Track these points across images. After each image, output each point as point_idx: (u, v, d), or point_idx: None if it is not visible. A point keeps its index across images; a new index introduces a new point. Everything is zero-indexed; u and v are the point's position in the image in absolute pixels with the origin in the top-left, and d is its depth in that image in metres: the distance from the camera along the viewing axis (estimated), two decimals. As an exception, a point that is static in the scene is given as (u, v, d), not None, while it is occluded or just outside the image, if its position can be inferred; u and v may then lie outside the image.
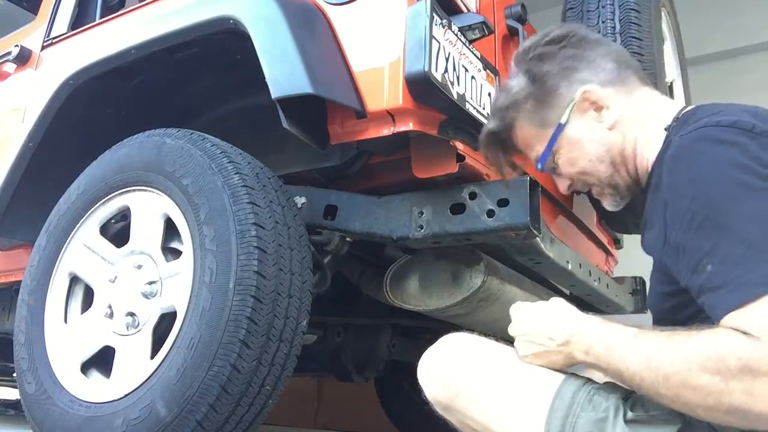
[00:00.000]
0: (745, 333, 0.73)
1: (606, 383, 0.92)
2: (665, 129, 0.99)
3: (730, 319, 0.75)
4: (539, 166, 1.11)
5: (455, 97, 1.26)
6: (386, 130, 1.31)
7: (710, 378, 0.73)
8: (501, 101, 1.11)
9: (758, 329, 0.72)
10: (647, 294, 1.05)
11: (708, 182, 0.82)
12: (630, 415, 0.85)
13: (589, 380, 0.92)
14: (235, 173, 1.33)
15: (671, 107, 1.04)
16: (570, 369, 0.94)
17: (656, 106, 1.05)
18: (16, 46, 2.15)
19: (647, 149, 1.02)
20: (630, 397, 0.89)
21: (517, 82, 1.09)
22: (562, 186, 1.13)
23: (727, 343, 0.73)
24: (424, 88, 1.23)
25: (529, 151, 1.13)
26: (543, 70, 1.06)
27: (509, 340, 1.00)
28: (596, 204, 2.01)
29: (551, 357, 0.92)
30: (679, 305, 0.92)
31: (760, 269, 0.74)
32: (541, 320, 0.94)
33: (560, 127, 1.06)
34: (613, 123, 1.04)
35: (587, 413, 0.86)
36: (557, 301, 0.96)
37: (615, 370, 0.83)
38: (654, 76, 1.60)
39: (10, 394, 4.91)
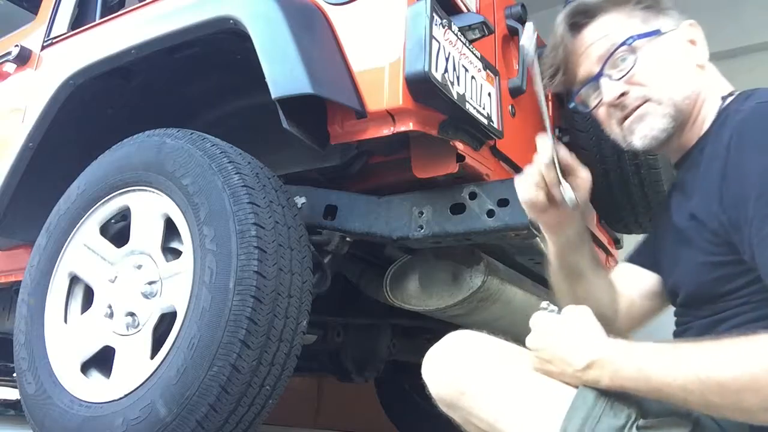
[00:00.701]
0: None
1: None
2: (722, 98, 1.00)
3: None
4: (615, 48, 1.03)
5: (455, 97, 1.26)
6: (386, 130, 1.31)
7: None
8: None
9: None
10: (672, 267, 1.02)
11: None
12: (641, 422, 0.85)
13: None
14: (235, 173, 1.33)
15: (727, 84, 1.05)
16: None
17: (719, 76, 1.06)
18: (16, 46, 2.15)
19: (709, 108, 1.01)
20: (640, 403, 0.88)
21: None
22: (613, 92, 1.04)
23: None
24: (424, 88, 1.23)
25: (600, 41, 1.06)
26: None
27: (514, 339, 1.00)
28: (596, 204, 2.01)
29: (567, 380, 0.90)
30: (725, 277, 0.90)
31: None
32: (560, 342, 0.90)
33: (658, 32, 1.04)
34: (702, 63, 1.04)
35: (609, 418, 0.85)
36: (582, 318, 0.92)
37: (652, 389, 0.81)
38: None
39: (10, 394, 4.91)
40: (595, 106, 1.09)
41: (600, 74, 1.05)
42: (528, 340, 0.95)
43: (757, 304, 0.87)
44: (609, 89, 1.04)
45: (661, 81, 1.01)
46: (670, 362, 0.80)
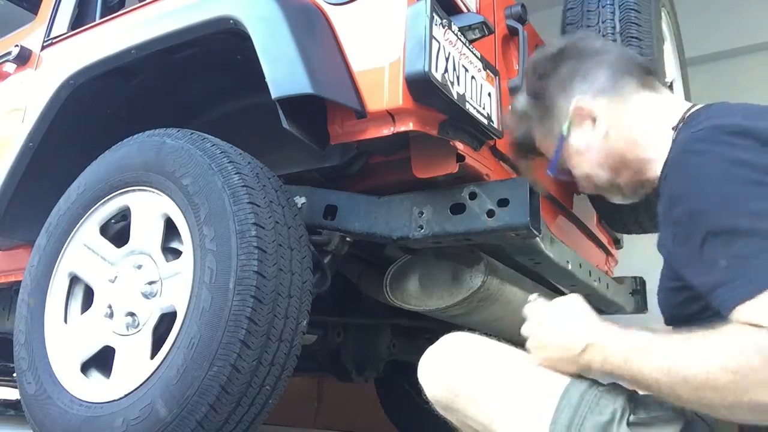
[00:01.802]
0: (758, 326, 0.72)
1: (613, 385, 0.92)
2: (673, 128, 1.00)
3: (742, 311, 0.74)
4: (549, 172, 1.18)
5: (455, 97, 1.26)
6: (386, 130, 1.31)
7: (732, 376, 0.72)
8: (515, 108, 1.25)
9: None
10: (658, 291, 1.05)
11: (711, 180, 0.82)
12: (633, 417, 0.85)
13: (596, 382, 0.92)
14: (235, 173, 1.33)
15: (676, 107, 1.04)
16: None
17: (657, 109, 1.06)
18: (16, 46, 2.15)
19: (650, 150, 1.04)
20: (633, 398, 0.89)
21: (524, 99, 1.22)
22: (579, 186, 1.19)
23: (744, 338, 0.72)
24: (424, 88, 1.23)
25: (547, 154, 1.21)
26: (542, 86, 1.16)
27: (510, 340, 1.00)
28: (596, 204, 2.01)
29: (564, 366, 0.91)
30: (689, 299, 0.91)
31: None
32: (557, 327, 0.92)
33: (562, 138, 1.13)
34: (606, 131, 1.08)
35: (594, 416, 0.86)
36: (574, 304, 0.95)
37: (632, 378, 0.82)
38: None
39: (10, 394, 4.91)
40: None
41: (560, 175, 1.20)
42: (524, 328, 0.97)
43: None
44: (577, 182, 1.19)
45: (589, 172, 1.13)
46: (648, 354, 0.81)
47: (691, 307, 0.91)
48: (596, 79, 1.10)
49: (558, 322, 0.93)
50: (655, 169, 1.03)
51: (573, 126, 1.11)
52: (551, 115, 1.15)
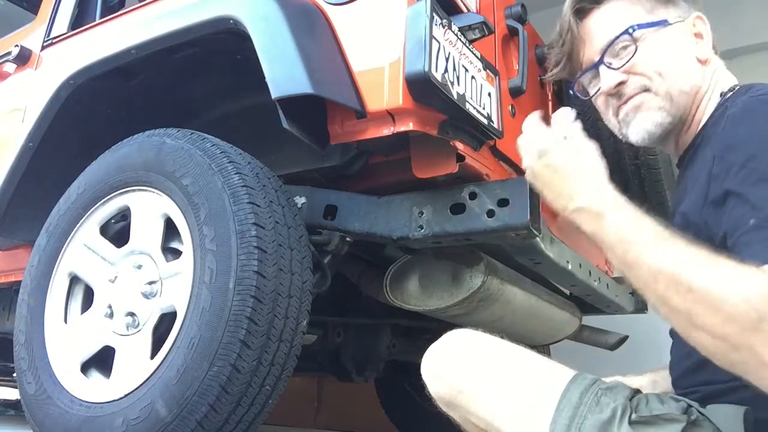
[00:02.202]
0: None
1: (614, 383, 0.92)
2: (721, 94, 1.00)
3: None
4: (615, 37, 1.04)
5: (455, 97, 1.26)
6: (386, 130, 1.31)
7: (749, 310, 0.68)
8: None
9: None
10: None
11: None
12: (634, 416, 0.85)
13: (597, 380, 0.92)
14: (235, 173, 1.33)
15: (733, 79, 1.04)
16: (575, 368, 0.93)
17: (725, 71, 1.05)
18: (16, 46, 2.14)
19: (708, 105, 1.01)
20: (635, 396, 0.89)
21: None
22: (611, 81, 1.05)
23: None
24: (424, 88, 1.23)
25: (603, 31, 1.06)
26: None
27: (512, 338, 1.00)
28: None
29: (555, 200, 0.89)
30: None
31: None
32: (570, 170, 0.88)
33: (664, 23, 1.03)
34: (706, 58, 1.03)
35: (594, 415, 0.85)
36: (593, 154, 0.90)
37: (625, 262, 0.80)
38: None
39: (10, 394, 4.91)
40: (594, 94, 1.09)
41: (600, 62, 1.05)
42: (541, 141, 0.92)
43: None
44: (607, 78, 1.05)
45: (659, 73, 1.01)
46: (658, 250, 0.78)
47: None
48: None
49: (574, 166, 0.89)
50: (700, 121, 1.01)
51: (680, 26, 1.03)
52: (664, 1, 1.06)
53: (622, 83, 1.03)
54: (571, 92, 1.16)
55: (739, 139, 0.84)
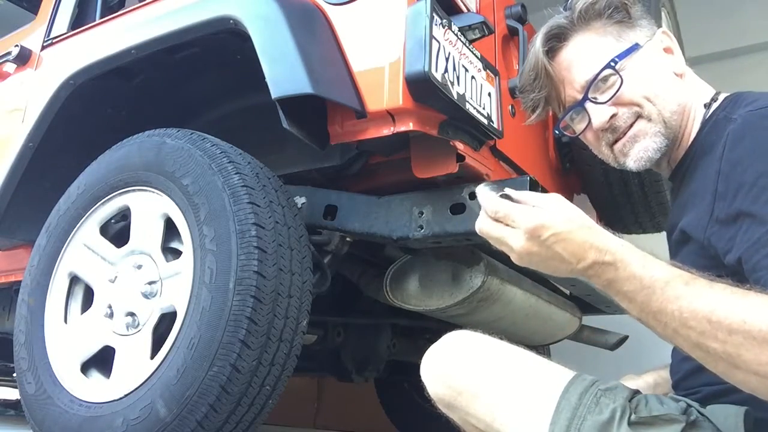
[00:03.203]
0: None
1: (613, 384, 0.92)
2: (704, 105, 0.99)
3: None
4: (598, 72, 1.01)
5: (455, 97, 1.26)
6: (386, 130, 1.31)
7: None
8: (580, 4, 1.05)
9: None
10: None
11: None
12: (634, 417, 0.85)
13: (597, 380, 0.92)
14: (235, 173, 1.33)
15: (708, 87, 1.03)
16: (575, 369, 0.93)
17: (698, 80, 1.05)
18: (16, 46, 2.15)
19: (695, 118, 1.00)
20: (634, 397, 0.89)
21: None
22: (602, 116, 1.02)
23: None
24: (424, 88, 1.23)
25: (580, 67, 1.03)
26: (629, 3, 1.05)
27: (513, 338, 1.00)
28: (596, 204, 2.01)
29: (558, 266, 0.83)
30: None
31: None
32: (579, 228, 0.82)
33: (636, 47, 1.01)
34: (681, 71, 1.02)
35: (594, 416, 0.85)
36: (579, 212, 0.85)
37: (648, 310, 0.77)
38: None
39: (10, 394, 4.91)
40: (582, 131, 1.08)
41: (585, 99, 1.03)
42: (541, 215, 0.83)
43: None
44: (597, 114, 1.02)
45: (647, 98, 1.00)
46: (684, 294, 0.75)
47: None
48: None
49: (581, 223, 0.82)
50: (689, 135, 1.00)
51: (651, 44, 1.02)
52: (630, 23, 1.03)
53: (614, 116, 1.01)
54: (556, 132, 1.13)
55: (744, 156, 0.83)
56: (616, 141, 1.03)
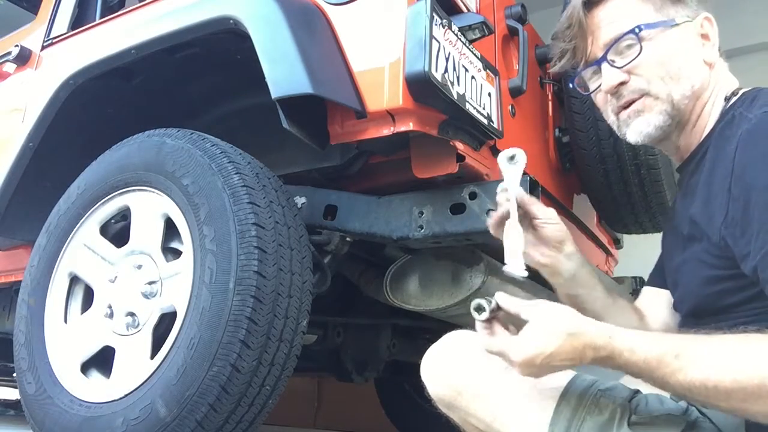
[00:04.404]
0: None
1: (614, 384, 0.91)
2: (725, 99, 0.98)
3: None
4: (621, 35, 1.00)
5: (455, 97, 1.26)
6: (386, 130, 1.31)
7: None
8: None
9: None
10: (679, 279, 0.99)
11: None
12: (634, 417, 0.85)
13: (597, 380, 0.92)
14: (235, 173, 1.33)
15: (733, 80, 1.03)
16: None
17: (727, 74, 1.04)
18: (16, 46, 2.15)
19: (712, 109, 0.99)
20: (634, 397, 0.89)
21: None
22: (612, 80, 1.01)
23: None
24: (424, 88, 1.23)
25: (610, 26, 1.02)
26: None
27: None
28: (596, 204, 2.01)
29: (567, 368, 0.83)
30: (727, 291, 0.88)
31: None
32: (571, 335, 0.81)
33: (671, 22, 1.00)
34: (712, 61, 1.01)
35: (593, 416, 0.85)
36: (566, 311, 0.84)
37: (658, 385, 0.78)
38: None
39: (10, 394, 4.91)
40: (594, 90, 1.08)
41: (603, 59, 1.03)
42: (528, 346, 0.82)
43: (758, 317, 0.85)
44: (609, 76, 1.02)
45: (662, 75, 0.99)
46: (673, 367, 0.76)
47: (729, 299, 0.88)
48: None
49: (570, 329, 0.82)
50: (703, 127, 0.99)
51: (688, 26, 1.00)
52: (672, 1, 1.02)
53: (623, 83, 1.01)
54: (570, 86, 1.13)
55: (756, 159, 0.82)
56: (621, 109, 1.03)
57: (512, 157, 1.05)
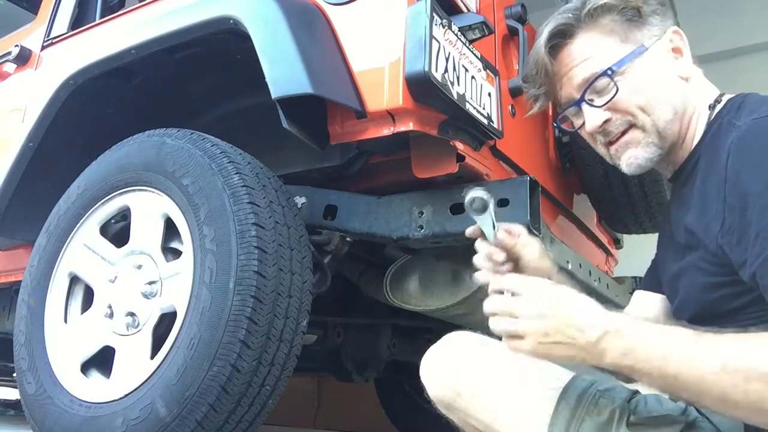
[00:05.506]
0: None
1: (611, 385, 0.91)
2: (709, 107, 0.98)
3: None
4: (594, 78, 0.99)
5: (455, 97, 1.26)
6: (386, 130, 1.31)
7: None
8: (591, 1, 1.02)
9: None
10: (678, 286, 0.98)
11: None
12: (633, 418, 0.85)
13: (596, 381, 0.92)
14: (235, 173, 1.33)
15: (714, 89, 1.02)
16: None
17: (704, 81, 1.03)
18: (16, 46, 2.15)
19: (698, 120, 0.99)
20: (633, 398, 0.89)
21: None
22: (595, 120, 1.00)
23: None
24: (424, 88, 1.23)
25: (580, 66, 1.02)
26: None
27: None
28: (596, 204, 2.01)
29: (571, 352, 0.79)
30: (726, 297, 0.87)
31: None
32: (569, 306, 0.80)
33: (642, 49, 0.99)
34: (687, 74, 1.00)
35: (592, 417, 0.85)
36: (567, 289, 0.84)
37: (666, 374, 0.75)
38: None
39: (10, 394, 4.91)
40: (580, 127, 1.07)
41: (581, 100, 1.02)
42: (514, 305, 0.84)
43: (760, 320, 0.83)
44: (591, 117, 1.01)
45: (642, 105, 0.98)
46: (696, 351, 0.73)
47: (730, 304, 0.87)
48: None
49: (568, 301, 0.81)
50: (692, 139, 0.99)
51: (658, 46, 0.99)
52: (639, 23, 1.00)
53: (607, 121, 1.00)
54: (555, 125, 1.13)
55: (748, 166, 0.82)
56: (610, 143, 1.03)
57: (475, 202, 0.94)
